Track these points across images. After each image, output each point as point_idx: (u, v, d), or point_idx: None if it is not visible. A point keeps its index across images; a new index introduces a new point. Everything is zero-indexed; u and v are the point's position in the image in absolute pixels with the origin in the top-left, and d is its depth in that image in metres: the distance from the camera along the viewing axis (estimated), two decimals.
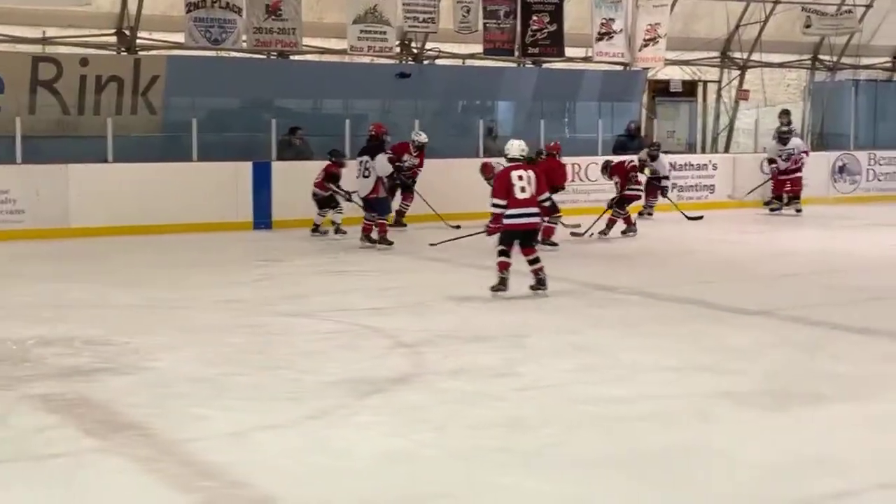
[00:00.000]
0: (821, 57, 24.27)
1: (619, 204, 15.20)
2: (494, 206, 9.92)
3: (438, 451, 5.38)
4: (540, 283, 9.93)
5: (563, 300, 9.93)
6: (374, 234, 13.79)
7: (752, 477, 4.92)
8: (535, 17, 19.71)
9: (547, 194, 10.56)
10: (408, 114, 18.06)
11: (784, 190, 18.69)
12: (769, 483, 4.84)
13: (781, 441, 5.51)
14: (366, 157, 13.92)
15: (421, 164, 16.21)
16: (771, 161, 18.99)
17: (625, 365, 7.24)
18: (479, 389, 6.61)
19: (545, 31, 19.82)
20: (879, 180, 21.60)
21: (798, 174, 18.72)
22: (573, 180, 17.76)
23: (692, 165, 20.00)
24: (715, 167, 20.19)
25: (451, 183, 16.44)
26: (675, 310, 9.54)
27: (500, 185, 9.95)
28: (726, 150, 23.07)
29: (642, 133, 20.75)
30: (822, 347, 7.83)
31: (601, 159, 18.41)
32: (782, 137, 18.87)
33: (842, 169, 21.38)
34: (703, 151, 22.62)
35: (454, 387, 6.66)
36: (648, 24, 20.88)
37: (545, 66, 20.69)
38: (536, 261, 9.94)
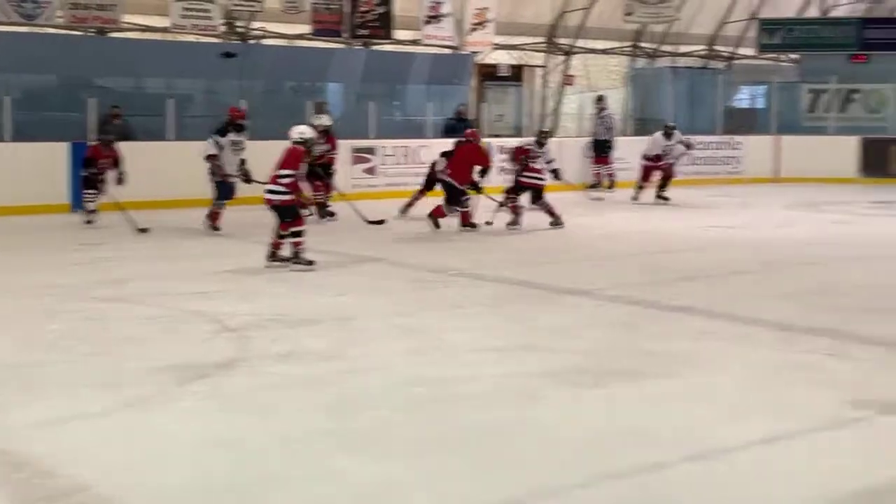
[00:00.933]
0: (641, 44, 25.04)
1: (513, 191, 14.63)
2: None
3: (265, 436, 5.31)
4: (295, 257, 10.43)
5: (393, 283, 9.95)
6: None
7: (572, 452, 5.05)
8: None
9: (286, 171, 10.57)
10: (233, 94, 17.74)
11: (650, 179, 18.32)
12: (587, 457, 4.97)
13: (599, 417, 5.66)
14: (241, 137, 13.59)
15: (334, 149, 15.35)
16: (656, 157, 18.29)
17: (451, 346, 7.30)
18: (306, 373, 6.55)
19: (374, 12, 19.80)
20: (696, 164, 22.39)
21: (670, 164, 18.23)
22: (402, 163, 17.87)
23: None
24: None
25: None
26: (502, 290, 9.67)
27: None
28: (552, 134, 23.52)
29: (471, 117, 20.98)
30: (639, 326, 8.07)
31: (431, 142, 18.61)
32: (668, 132, 18.34)
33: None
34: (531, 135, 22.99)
35: (281, 371, 6.59)
36: (477, 9, 21.11)
37: (374, 48, 20.67)
38: (292, 235, 10.44)
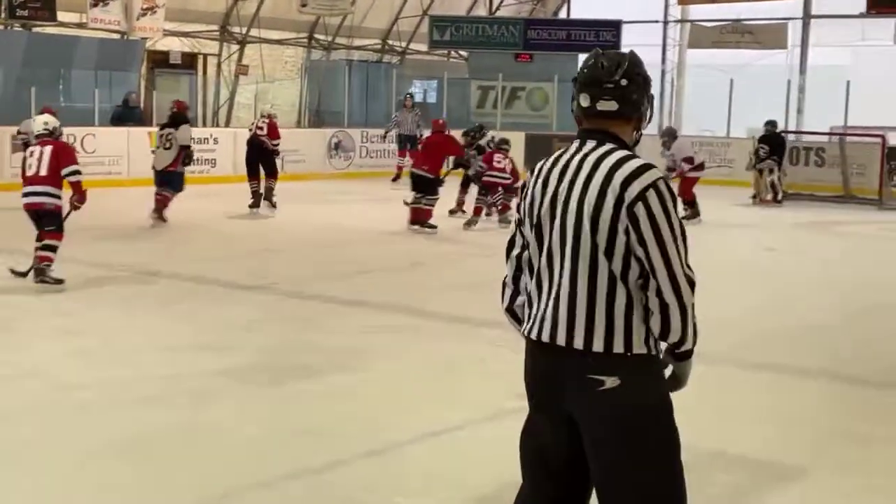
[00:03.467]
0: (317, 36, 25.11)
1: (483, 191, 14.21)
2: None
3: None
4: (39, 273, 8.90)
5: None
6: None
7: (249, 453, 4.95)
8: None
9: (71, 167, 9.14)
10: None
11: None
12: (265, 458, 4.89)
13: (277, 416, 5.60)
14: (170, 130, 13.66)
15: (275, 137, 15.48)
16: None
17: (123, 347, 6.99)
18: None
19: None
20: (371, 157, 22.76)
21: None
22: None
23: (194, 139, 19.68)
24: (216, 141, 20.16)
25: None
26: (175, 288, 9.38)
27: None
28: (227, 124, 23.15)
29: (141, 104, 20.28)
30: (314, 321, 8.06)
31: (98, 130, 17.84)
32: (665, 142, 16.14)
33: (337, 146, 22.25)
34: (205, 125, 22.54)
35: None
36: None
37: (36, 30, 19.51)
38: (45, 248, 8.99)
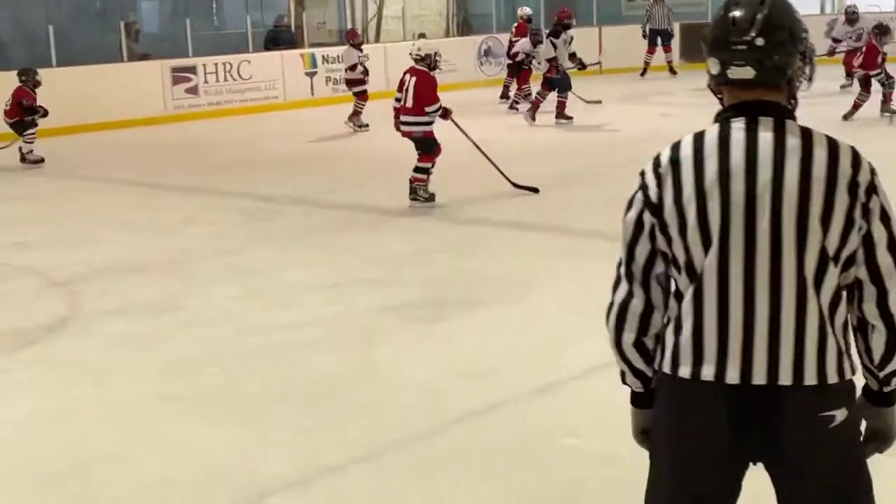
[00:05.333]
0: None
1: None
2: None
3: (101, 406, 5.16)
4: (412, 192, 9.70)
5: (222, 215, 9.70)
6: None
7: (417, 399, 5.06)
8: None
9: (432, 107, 9.57)
10: (38, 21, 16.81)
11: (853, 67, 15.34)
12: (432, 403, 4.99)
13: (443, 355, 5.68)
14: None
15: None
16: (836, 40, 17.23)
17: (288, 286, 7.19)
18: (140, 330, 6.38)
19: None
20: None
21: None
22: (225, 80, 17.42)
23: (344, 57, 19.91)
24: (367, 57, 20.21)
25: (96, 92, 15.60)
26: (337, 218, 9.52)
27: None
28: (377, 39, 23.21)
29: (292, 26, 20.52)
30: (478, 248, 8.10)
31: (253, 56, 18.17)
32: (850, 18, 17.09)
33: (487, 52, 22.05)
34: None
35: (114, 330, 6.38)
36: None
37: None
38: (416, 170, 9.72)
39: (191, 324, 6.46)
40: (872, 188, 2.23)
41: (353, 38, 15.86)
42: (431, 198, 9.60)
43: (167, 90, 17.04)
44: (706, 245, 2.26)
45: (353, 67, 15.38)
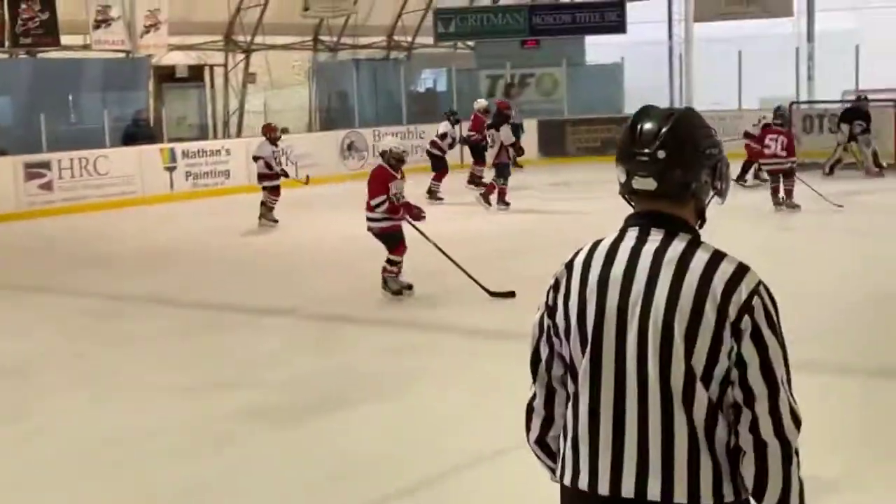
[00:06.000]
0: (322, 38, 25.07)
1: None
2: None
3: None
4: (383, 283, 9.55)
5: (73, 315, 9.39)
6: None
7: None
8: (24, 6, 18.49)
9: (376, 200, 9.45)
10: None
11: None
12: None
13: (309, 458, 5.55)
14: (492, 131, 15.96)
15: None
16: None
17: (142, 389, 6.96)
18: None
19: (37, 19, 18.67)
20: None
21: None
22: (81, 175, 17.13)
23: (206, 152, 19.80)
24: (229, 152, 20.13)
25: None
26: (194, 318, 9.30)
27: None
28: (239, 134, 23.15)
29: (151, 121, 20.33)
30: (341, 345, 8.01)
31: (110, 151, 17.94)
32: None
33: (350, 146, 22.20)
34: (216, 137, 22.57)
35: None
36: (148, 10, 20.38)
37: (41, 56, 19.58)
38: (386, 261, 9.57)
39: (38, 434, 6.19)
40: (747, 309, 2.17)
41: (270, 133, 15.19)
42: (400, 291, 9.42)
43: (19, 186, 16.61)
44: (584, 352, 2.27)
45: (269, 163, 15.00)
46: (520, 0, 27.47)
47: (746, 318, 2.16)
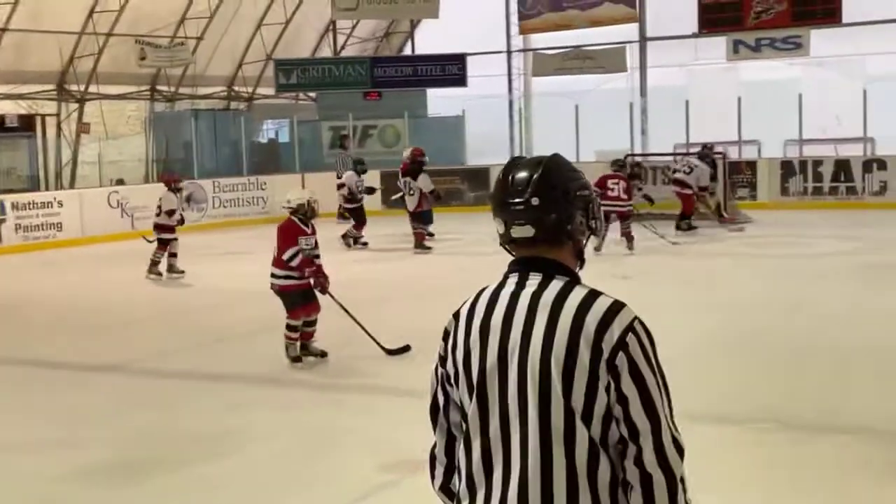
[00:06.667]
0: (159, 87, 24.64)
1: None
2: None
3: None
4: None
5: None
6: None
7: None
8: None
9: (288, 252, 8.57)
10: None
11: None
12: None
13: None
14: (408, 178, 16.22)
15: None
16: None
17: None
18: None
19: None
20: (224, 207, 22.32)
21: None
22: None
23: (37, 204, 19.06)
24: (61, 204, 19.43)
25: None
26: (20, 374, 8.89)
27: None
28: (72, 185, 22.45)
29: None
30: (175, 402, 7.75)
31: None
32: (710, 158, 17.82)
33: (189, 198, 21.74)
34: (48, 188, 21.81)
35: None
36: None
37: None
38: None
39: None
40: (621, 346, 2.22)
41: (173, 182, 14.55)
42: (298, 359, 8.59)
43: None
44: (471, 398, 2.31)
45: (170, 213, 14.27)
46: (362, 52, 27.71)
47: (621, 354, 2.21)
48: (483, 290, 2.40)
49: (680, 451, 2.24)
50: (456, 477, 2.41)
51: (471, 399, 2.31)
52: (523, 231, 2.35)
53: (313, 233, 8.70)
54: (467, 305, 2.39)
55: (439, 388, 2.43)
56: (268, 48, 26.02)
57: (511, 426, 2.25)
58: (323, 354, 8.72)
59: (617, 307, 2.26)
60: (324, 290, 8.63)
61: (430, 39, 27.16)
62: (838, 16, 22.06)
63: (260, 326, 10.36)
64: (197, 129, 23.79)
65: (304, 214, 8.65)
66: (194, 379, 8.49)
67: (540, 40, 25.77)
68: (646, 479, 2.20)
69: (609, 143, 23.02)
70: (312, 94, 26.95)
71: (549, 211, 2.34)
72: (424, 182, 16.13)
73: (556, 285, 2.31)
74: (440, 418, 2.45)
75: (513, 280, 2.36)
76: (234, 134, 24.90)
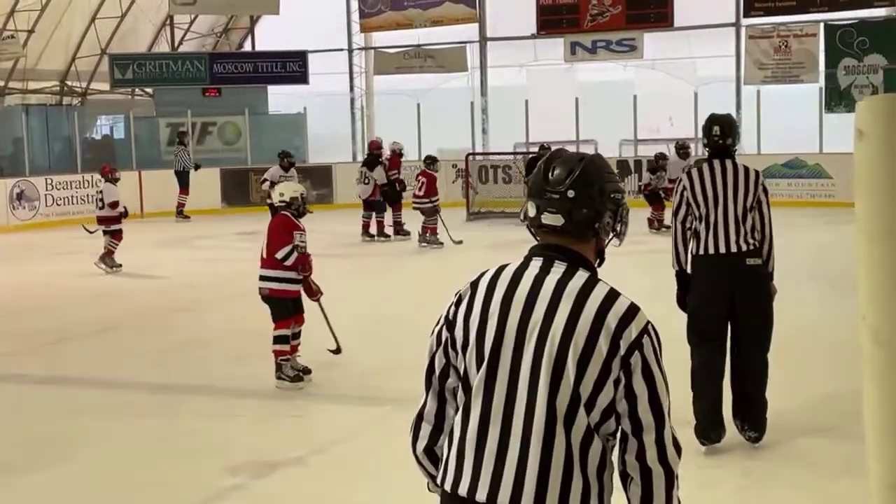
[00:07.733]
0: None
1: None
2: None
3: None
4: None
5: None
6: None
7: None
8: None
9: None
10: None
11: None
12: None
13: None
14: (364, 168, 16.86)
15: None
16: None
17: None
18: None
19: None
20: (58, 205, 21.62)
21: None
22: None
23: None
24: None
25: None
26: None
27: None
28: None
29: None
30: (5, 407, 7.51)
31: None
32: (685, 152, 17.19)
33: (20, 196, 21.00)
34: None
35: None
36: None
37: None
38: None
39: None
40: (637, 346, 2.34)
41: (111, 174, 14.15)
42: (299, 378, 7.49)
43: None
44: (479, 366, 2.40)
45: (114, 205, 13.83)
46: (200, 48, 27.22)
47: (637, 353, 2.34)
48: (504, 266, 2.50)
49: (678, 449, 2.39)
50: (440, 440, 2.51)
51: (478, 368, 2.41)
52: (554, 219, 2.47)
53: (303, 230, 7.81)
54: (488, 276, 2.49)
55: (440, 352, 2.51)
56: (103, 42, 25.26)
57: (517, 400, 2.35)
58: (307, 371, 7.66)
59: (636, 309, 2.40)
60: (313, 296, 7.79)
61: (270, 36, 26.84)
62: (670, 20, 22.85)
63: (95, 328, 10.15)
64: (28, 125, 22.95)
65: (298, 209, 7.87)
66: (28, 383, 8.22)
67: (382, 39, 25.80)
68: (646, 473, 2.35)
69: (450, 141, 23.32)
70: (149, 90, 26.32)
71: (583, 205, 2.47)
72: (380, 174, 16.80)
73: (581, 276, 2.44)
74: (434, 381, 2.53)
75: (537, 263, 2.47)
76: (67, 130, 24.13)
